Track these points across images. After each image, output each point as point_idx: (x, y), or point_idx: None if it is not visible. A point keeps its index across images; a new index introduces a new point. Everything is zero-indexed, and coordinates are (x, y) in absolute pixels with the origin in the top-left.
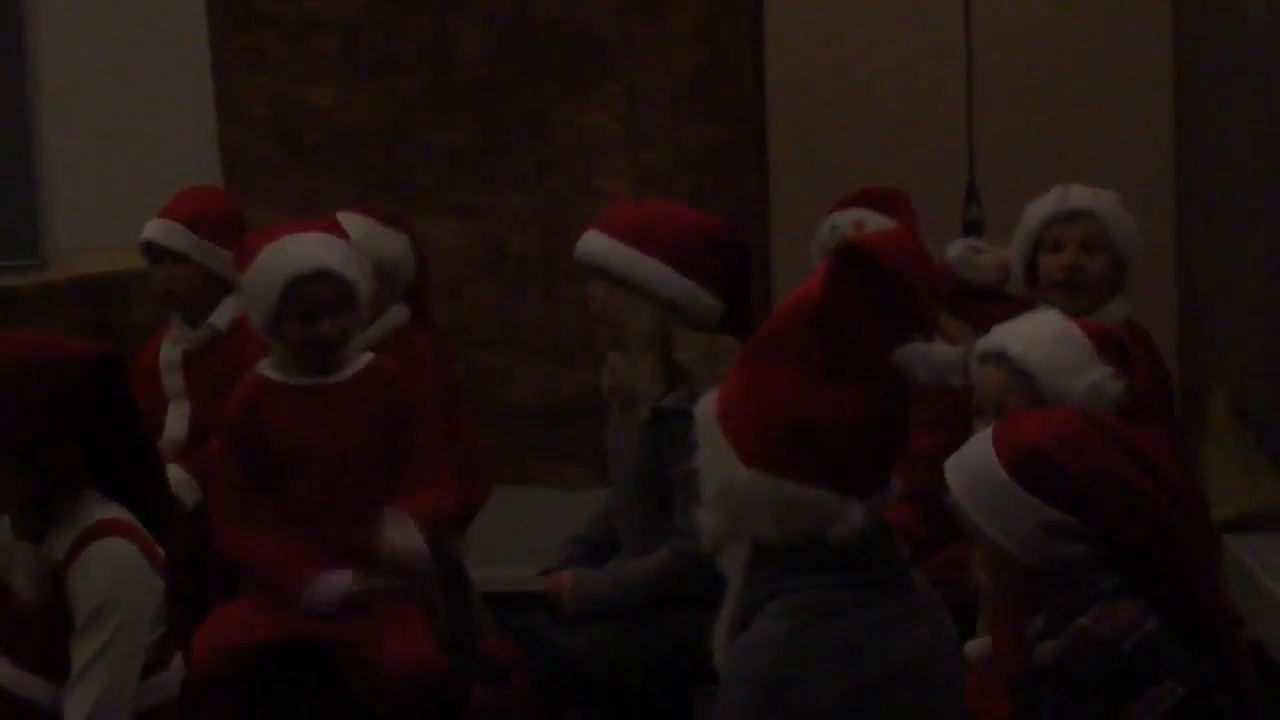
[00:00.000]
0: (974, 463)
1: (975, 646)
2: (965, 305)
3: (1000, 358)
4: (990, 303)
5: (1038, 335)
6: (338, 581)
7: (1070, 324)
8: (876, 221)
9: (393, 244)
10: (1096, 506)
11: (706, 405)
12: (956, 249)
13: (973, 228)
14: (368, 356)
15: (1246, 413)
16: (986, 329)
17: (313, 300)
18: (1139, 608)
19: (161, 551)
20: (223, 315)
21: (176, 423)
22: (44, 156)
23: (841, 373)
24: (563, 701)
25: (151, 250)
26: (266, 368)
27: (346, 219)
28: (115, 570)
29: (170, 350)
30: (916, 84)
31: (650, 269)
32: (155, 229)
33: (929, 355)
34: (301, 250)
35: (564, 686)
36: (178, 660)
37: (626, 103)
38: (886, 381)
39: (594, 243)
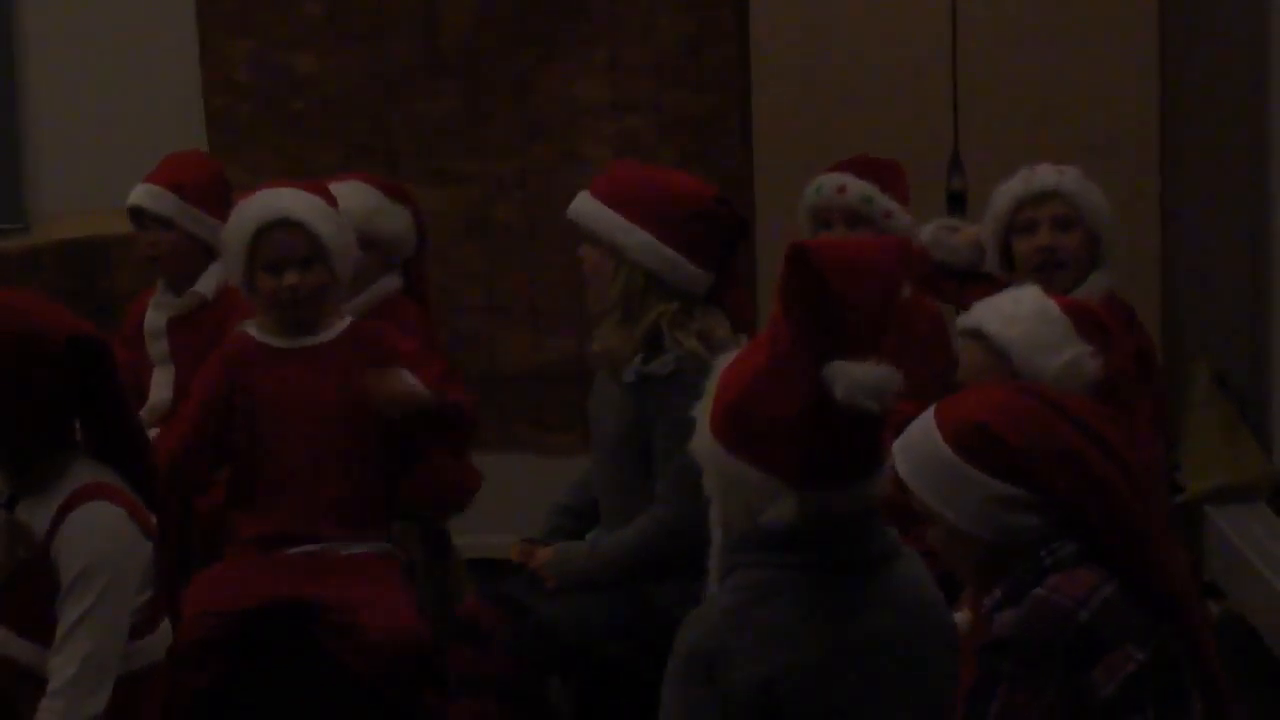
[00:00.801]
0: (919, 443)
1: (959, 619)
2: (942, 286)
3: (977, 336)
4: (967, 282)
5: (1015, 313)
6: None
7: (1048, 300)
8: (859, 187)
9: (396, 219)
10: (1042, 476)
11: (724, 361)
12: (928, 231)
13: (956, 198)
14: (346, 321)
15: (1228, 384)
16: (966, 309)
17: (278, 248)
18: (1096, 576)
19: (151, 516)
20: (208, 282)
21: (161, 389)
22: (28, 119)
23: (787, 368)
24: (542, 669)
25: (137, 215)
26: (249, 327)
27: (352, 187)
28: (101, 533)
29: (155, 316)
30: (901, 52)
31: (634, 236)
32: (141, 193)
33: (851, 374)
34: (268, 200)
35: (543, 654)
36: (164, 625)
37: (611, 70)
38: (824, 387)
39: (583, 205)
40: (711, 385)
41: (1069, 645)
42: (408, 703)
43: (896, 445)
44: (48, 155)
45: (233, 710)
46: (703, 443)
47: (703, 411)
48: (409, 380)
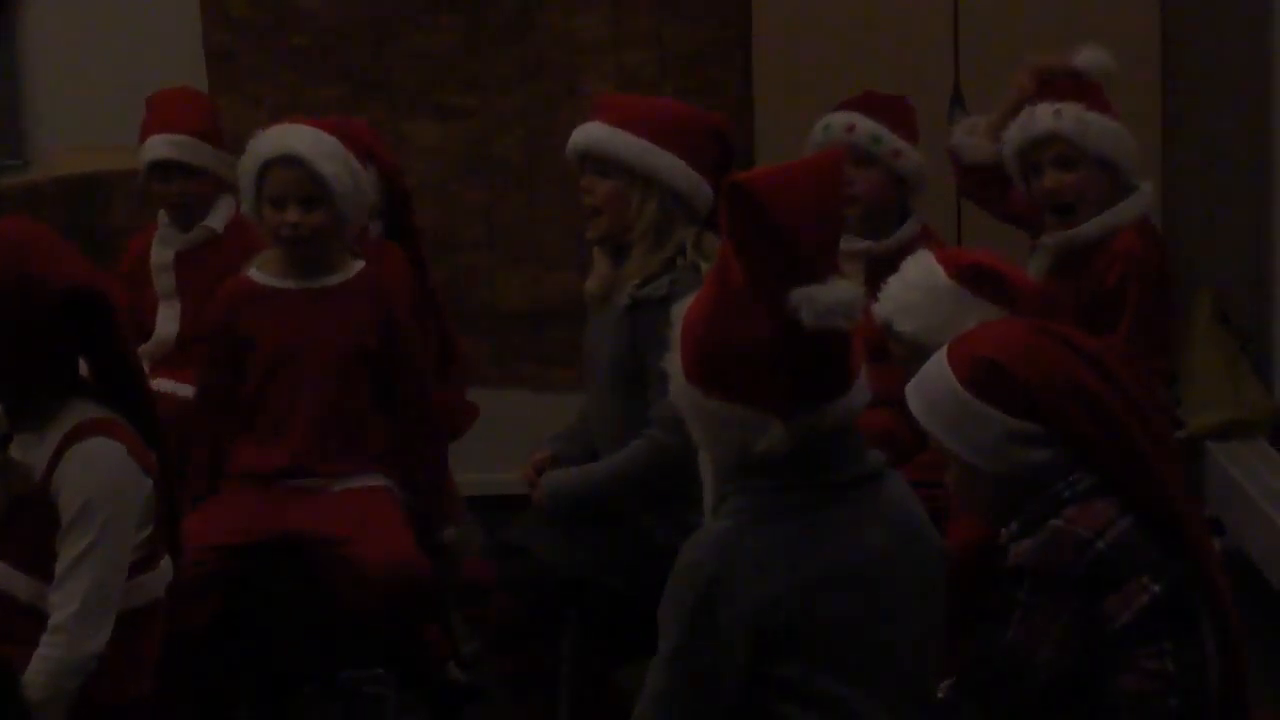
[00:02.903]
0: (931, 382)
1: None
2: (986, 194)
3: (889, 330)
4: (1007, 189)
5: (908, 302)
6: None
7: (935, 273)
8: (868, 126)
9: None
10: (1055, 411)
11: (681, 309)
12: (955, 139)
13: None
14: (359, 264)
15: (1230, 320)
16: (1010, 219)
17: (279, 184)
18: (1113, 508)
19: (151, 454)
20: (218, 216)
21: (167, 322)
22: (28, 56)
23: (745, 302)
24: (543, 608)
25: (163, 166)
26: (252, 270)
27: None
28: (101, 468)
29: (162, 251)
30: None
31: (663, 159)
32: (173, 147)
33: (816, 298)
34: (274, 136)
35: (544, 593)
36: (165, 561)
37: (612, 5)
38: (790, 312)
39: (599, 133)
40: (675, 333)
41: (1085, 574)
42: (406, 635)
43: (909, 387)
44: (47, 92)
45: (232, 645)
46: (680, 392)
47: (673, 362)
48: None
